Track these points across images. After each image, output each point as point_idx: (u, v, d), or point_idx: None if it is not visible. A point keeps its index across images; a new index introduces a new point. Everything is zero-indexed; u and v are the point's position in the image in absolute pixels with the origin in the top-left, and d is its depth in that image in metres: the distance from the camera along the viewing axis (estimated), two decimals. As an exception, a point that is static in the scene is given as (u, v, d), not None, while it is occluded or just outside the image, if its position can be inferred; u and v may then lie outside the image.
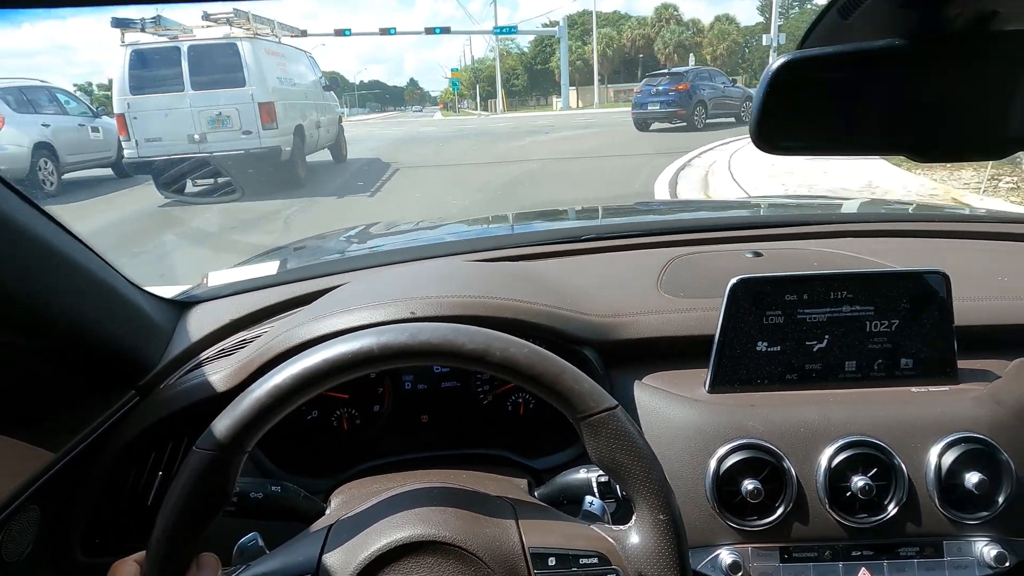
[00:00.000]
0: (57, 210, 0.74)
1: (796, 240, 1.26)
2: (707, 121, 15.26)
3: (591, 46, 50.24)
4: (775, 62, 0.51)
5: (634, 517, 0.62)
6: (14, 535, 0.70)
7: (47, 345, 0.77)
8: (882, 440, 0.80)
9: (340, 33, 31.34)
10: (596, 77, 47.01)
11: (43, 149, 9.08)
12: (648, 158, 10.18)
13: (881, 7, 0.52)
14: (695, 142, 11.60)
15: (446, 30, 32.97)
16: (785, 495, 0.80)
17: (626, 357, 0.92)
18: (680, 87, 15.06)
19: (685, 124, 14.97)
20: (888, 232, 1.27)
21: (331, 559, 0.60)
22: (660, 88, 15.23)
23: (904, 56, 0.51)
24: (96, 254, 0.84)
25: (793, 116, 0.52)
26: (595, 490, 0.72)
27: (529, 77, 64.38)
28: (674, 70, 16.92)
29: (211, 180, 9.38)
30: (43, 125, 9.29)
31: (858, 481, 0.79)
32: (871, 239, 1.24)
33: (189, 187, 9.16)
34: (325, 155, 11.57)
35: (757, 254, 1.13)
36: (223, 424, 0.58)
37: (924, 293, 0.85)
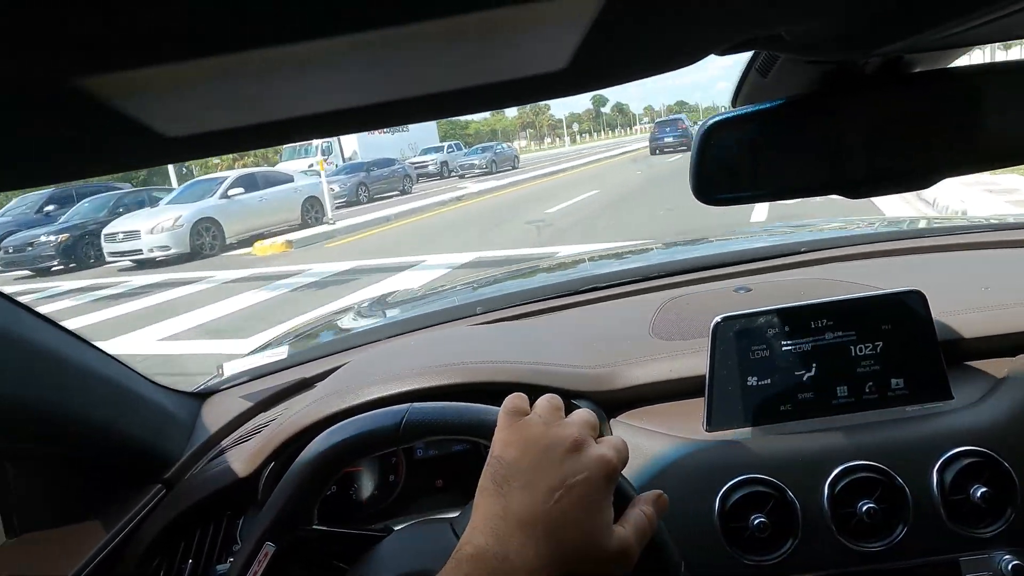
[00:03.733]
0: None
1: (784, 271, 1.29)
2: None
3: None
4: (703, 124, 0.56)
5: None
6: None
7: (77, 452, 0.82)
8: (882, 463, 0.82)
9: None
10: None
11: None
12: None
13: (795, 64, 0.57)
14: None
15: None
16: (792, 527, 0.81)
17: (624, 405, 0.95)
18: (681, 126, 23.93)
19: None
20: (872, 254, 1.30)
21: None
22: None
23: (820, 105, 0.56)
24: (113, 358, 0.89)
25: (724, 170, 0.56)
26: None
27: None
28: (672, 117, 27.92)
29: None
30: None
31: (863, 506, 0.80)
32: (856, 262, 1.27)
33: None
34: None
35: (746, 289, 1.17)
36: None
37: (903, 313, 0.88)
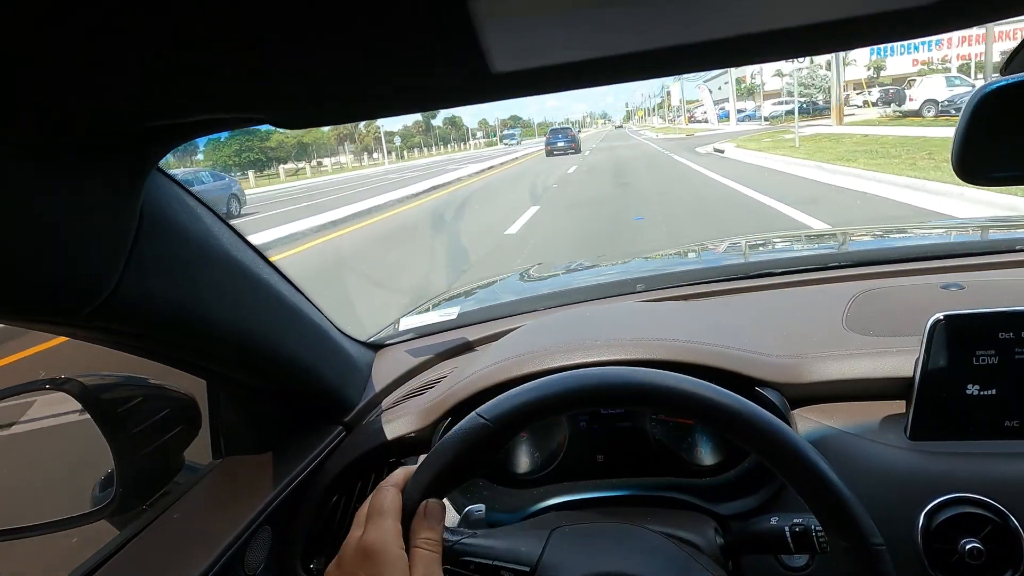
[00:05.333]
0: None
1: (997, 270, 1.13)
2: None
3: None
4: (979, 91, 0.49)
5: None
6: (254, 550, 0.81)
7: (276, 386, 0.89)
8: None
9: None
10: None
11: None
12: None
13: None
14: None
15: None
16: (1015, 558, 0.71)
17: (811, 400, 0.88)
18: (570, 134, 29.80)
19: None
20: None
21: (549, 562, 0.62)
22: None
23: None
24: (312, 303, 0.95)
25: (1000, 145, 0.48)
26: (789, 541, 0.69)
27: None
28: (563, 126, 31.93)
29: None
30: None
31: None
32: None
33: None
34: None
35: (958, 287, 1.04)
36: (505, 403, 0.61)
37: None
